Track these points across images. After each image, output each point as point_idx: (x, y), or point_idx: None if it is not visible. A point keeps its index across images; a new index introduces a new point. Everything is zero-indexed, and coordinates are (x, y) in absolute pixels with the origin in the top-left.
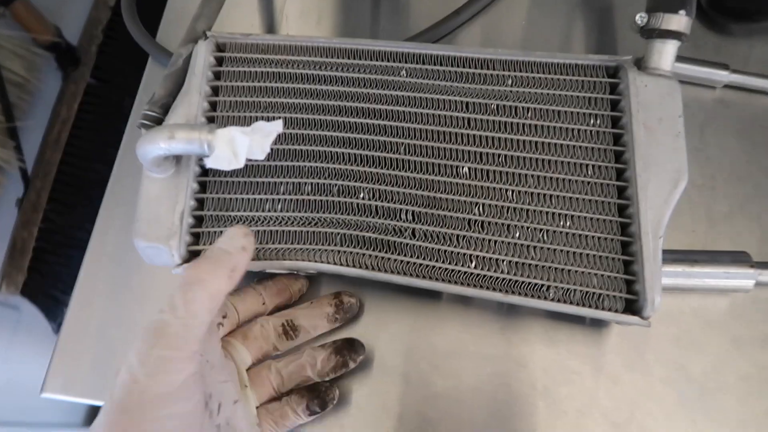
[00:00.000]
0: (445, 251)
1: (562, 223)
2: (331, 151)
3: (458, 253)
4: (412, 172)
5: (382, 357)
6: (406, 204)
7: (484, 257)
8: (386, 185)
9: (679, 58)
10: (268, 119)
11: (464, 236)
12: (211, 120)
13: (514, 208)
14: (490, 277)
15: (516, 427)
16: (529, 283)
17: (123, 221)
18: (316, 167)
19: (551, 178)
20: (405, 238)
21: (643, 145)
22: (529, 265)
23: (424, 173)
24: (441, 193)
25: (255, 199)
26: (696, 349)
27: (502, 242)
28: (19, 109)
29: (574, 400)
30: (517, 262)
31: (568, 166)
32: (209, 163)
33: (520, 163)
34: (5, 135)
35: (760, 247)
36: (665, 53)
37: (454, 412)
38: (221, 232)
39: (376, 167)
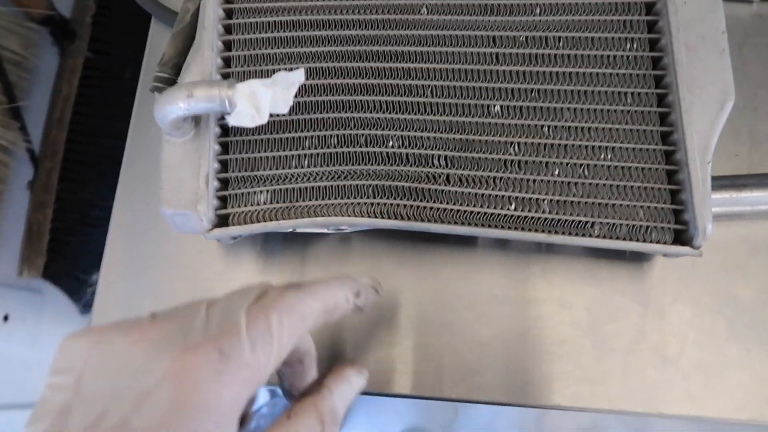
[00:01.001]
0: (483, 195)
1: (603, 156)
2: (355, 100)
3: (496, 196)
4: (441, 115)
5: (423, 309)
6: (438, 149)
7: (523, 198)
8: (415, 131)
9: None
10: (287, 70)
11: (501, 178)
12: (226, 76)
13: (552, 145)
14: (532, 218)
15: (564, 368)
16: (573, 221)
17: (142, 194)
18: (341, 118)
19: (588, 109)
20: (439, 184)
21: (685, 67)
22: (571, 202)
23: (454, 115)
24: (474, 134)
25: (280, 156)
26: (744, 276)
27: (542, 181)
28: (20, 88)
29: (622, 337)
30: (558, 201)
31: (606, 96)
32: (231, 121)
33: (555, 96)
34: (8, 116)
35: None
36: None
37: (500, 358)
38: (248, 194)
39: (403, 113)
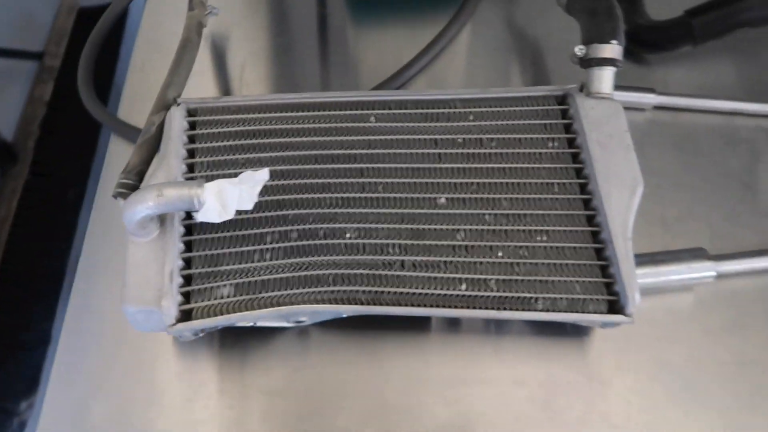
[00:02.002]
0: (435, 278)
1: (539, 238)
2: (312, 198)
3: (448, 278)
4: (393, 208)
5: (382, 395)
6: (392, 238)
7: (473, 279)
8: (370, 223)
9: None
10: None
11: (451, 261)
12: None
13: (494, 230)
14: (481, 296)
15: None
16: (518, 297)
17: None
18: (300, 214)
19: (522, 198)
20: (395, 270)
21: (600, 160)
22: (516, 280)
23: (404, 208)
24: (423, 224)
25: (243, 251)
26: (674, 344)
27: (488, 263)
28: None
29: (573, 409)
30: (504, 280)
31: (536, 187)
32: (199, 217)
33: (492, 188)
34: None
35: (713, 243)
36: (605, 78)
37: None
38: (212, 288)
39: (358, 208)
